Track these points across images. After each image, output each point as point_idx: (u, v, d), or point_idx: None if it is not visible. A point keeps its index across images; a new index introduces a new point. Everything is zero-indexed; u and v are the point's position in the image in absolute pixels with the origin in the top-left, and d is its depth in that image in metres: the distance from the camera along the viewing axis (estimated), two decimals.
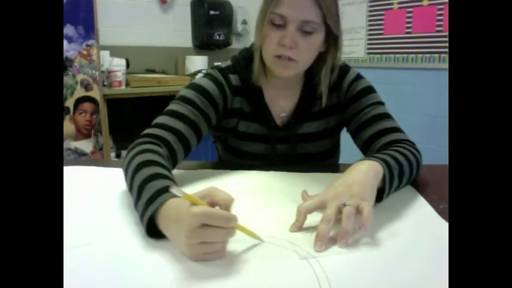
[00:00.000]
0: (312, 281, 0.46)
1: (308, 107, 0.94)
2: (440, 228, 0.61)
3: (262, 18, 0.82)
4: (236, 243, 0.55)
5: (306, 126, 0.94)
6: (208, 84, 0.87)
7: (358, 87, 0.92)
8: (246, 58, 0.91)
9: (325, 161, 0.99)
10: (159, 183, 0.59)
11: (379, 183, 0.66)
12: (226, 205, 0.51)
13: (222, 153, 1.01)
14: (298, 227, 0.59)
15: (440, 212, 0.66)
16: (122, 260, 0.51)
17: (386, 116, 0.88)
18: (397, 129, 0.85)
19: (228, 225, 0.49)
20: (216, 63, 0.98)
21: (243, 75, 0.91)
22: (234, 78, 0.91)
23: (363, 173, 0.64)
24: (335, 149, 1.01)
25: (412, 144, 0.81)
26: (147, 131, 0.79)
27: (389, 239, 0.57)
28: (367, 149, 0.87)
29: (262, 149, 0.95)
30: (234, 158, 0.97)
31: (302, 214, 0.59)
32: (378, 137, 0.84)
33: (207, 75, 0.90)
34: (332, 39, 0.85)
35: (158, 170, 0.63)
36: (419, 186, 0.78)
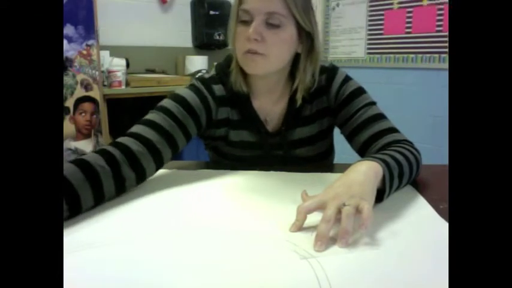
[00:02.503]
0: (312, 281, 0.46)
1: (297, 112, 0.92)
2: (440, 228, 0.61)
3: (233, 18, 0.82)
4: (235, 243, 0.56)
5: (298, 132, 0.93)
6: (190, 96, 0.85)
7: (348, 89, 0.89)
8: (230, 65, 0.89)
9: (322, 162, 0.99)
10: None
11: (379, 183, 0.66)
12: None
13: (215, 158, 1.00)
14: (298, 226, 0.59)
15: (440, 212, 0.66)
16: (123, 262, 0.51)
17: (381, 116, 0.87)
18: (394, 130, 0.84)
19: None
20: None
21: (227, 84, 0.89)
22: (217, 89, 0.90)
23: (363, 173, 0.64)
24: (330, 150, 1.01)
25: (411, 144, 0.81)
26: (118, 139, 0.76)
27: (389, 239, 0.57)
28: (364, 151, 0.85)
29: (256, 155, 0.94)
30: (228, 162, 0.96)
31: (302, 214, 0.59)
32: (376, 139, 0.83)
33: (191, 86, 0.88)
34: (307, 37, 0.84)
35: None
36: (419, 186, 0.78)
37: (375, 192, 0.64)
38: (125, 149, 0.73)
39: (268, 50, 0.79)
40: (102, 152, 0.71)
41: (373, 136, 0.84)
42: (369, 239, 0.57)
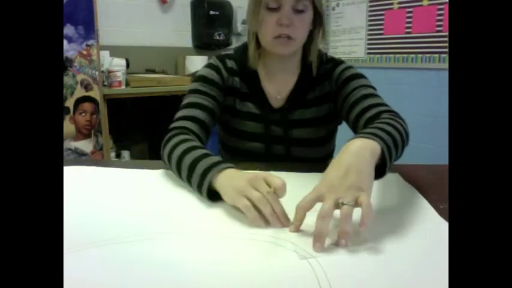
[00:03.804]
0: (312, 281, 0.46)
1: (302, 94, 1.00)
2: (440, 228, 0.61)
3: (257, 5, 0.90)
4: (235, 243, 0.56)
5: (299, 113, 1.00)
6: (207, 72, 0.99)
7: (348, 73, 0.98)
8: (246, 46, 1.01)
9: (320, 148, 1.04)
10: (213, 159, 0.73)
11: (377, 159, 0.64)
12: (279, 190, 0.61)
13: (222, 135, 1.07)
14: (297, 227, 0.58)
15: (440, 212, 0.66)
16: (122, 261, 0.51)
17: (372, 95, 0.92)
18: (381, 104, 0.89)
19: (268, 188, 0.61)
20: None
21: (240, 60, 1.01)
22: (230, 63, 1.02)
23: (357, 155, 0.61)
24: (329, 137, 1.06)
25: (396, 114, 0.85)
26: (173, 125, 0.90)
27: (389, 238, 0.57)
28: (355, 127, 0.92)
29: (258, 129, 1.00)
30: (233, 139, 1.03)
31: (300, 214, 0.58)
32: (363, 113, 0.89)
33: (207, 64, 1.02)
34: (318, 18, 0.94)
35: (204, 151, 0.76)
36: (420, 186, 0.78)
37: (373, 174, 0.61)
38: (188, 129, 0.88)
39: (296, 33, 0.90)
40: (181, 133, 0.86)
41: (361, 111, 0.90)
42: (369, 239, 0.56)
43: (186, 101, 0.96)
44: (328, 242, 0.54)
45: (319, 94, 1.01)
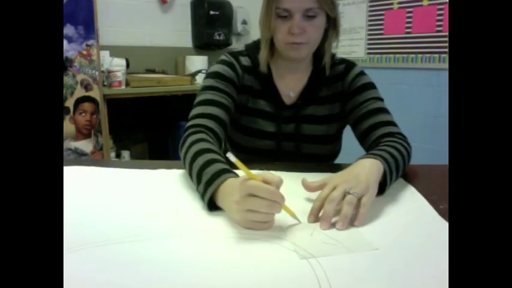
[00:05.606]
0: (312, 281, 0.46)
1: (315, 91, 1.01)
2: (440, 228, 0.61)
3: (269, 13, 0.91)
4: (235, 243, 0.56)
5: (312, 109, 1.02)
6: (222, 68, 0.98)
7: (362, 81, 1.00)
8: (258, 44, 1.01)
9: (329, 146, 1.05)
10: (214, 168, 0.69)
11: (381, 177, 0.72)
12: (276, 185, 0.59)
13: (231, 132, 1.05)
14: (316, 216, 0.63)
15: (440, 212, 0.66)
16: (122, 261, 0.51)
17: (383, 110, 0.95)
18: (390, 123, 0.93)
19: (271, 198, 0.57)
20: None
21: (253, 57, 1.01)
22: (244, 60, 1.02)
23: (368, 167, 0.70)
24: (338, 135, 1.08)
25: (403, 138, 0.89)
26: (191, 123, 0.88)
27: (389, 239, 0.57)
28: (364, 139, 0.95)
29: (270, 127, 1.01)
30: (242, 137, 1.03)
31: (319, 204, 0.63)
32: (373, 129, 0.92)
33: (220, 60, 1.01)
34: (331, 19, 0.95)
35: (210, 156, 0.74)
36: (420, 186, 0.79)
37: (377, 185, 0.69)
38: (206, 127, 0.87)
39: (309, 38, 0.91)
40: (199, 132, 0.84)
41: (371, 127, 0.93)
42: (369, 239, 0.57)
43: (201, 97, 0.94)
44: (327, 241, 0.55)
45: (331, 93, 1.02)
